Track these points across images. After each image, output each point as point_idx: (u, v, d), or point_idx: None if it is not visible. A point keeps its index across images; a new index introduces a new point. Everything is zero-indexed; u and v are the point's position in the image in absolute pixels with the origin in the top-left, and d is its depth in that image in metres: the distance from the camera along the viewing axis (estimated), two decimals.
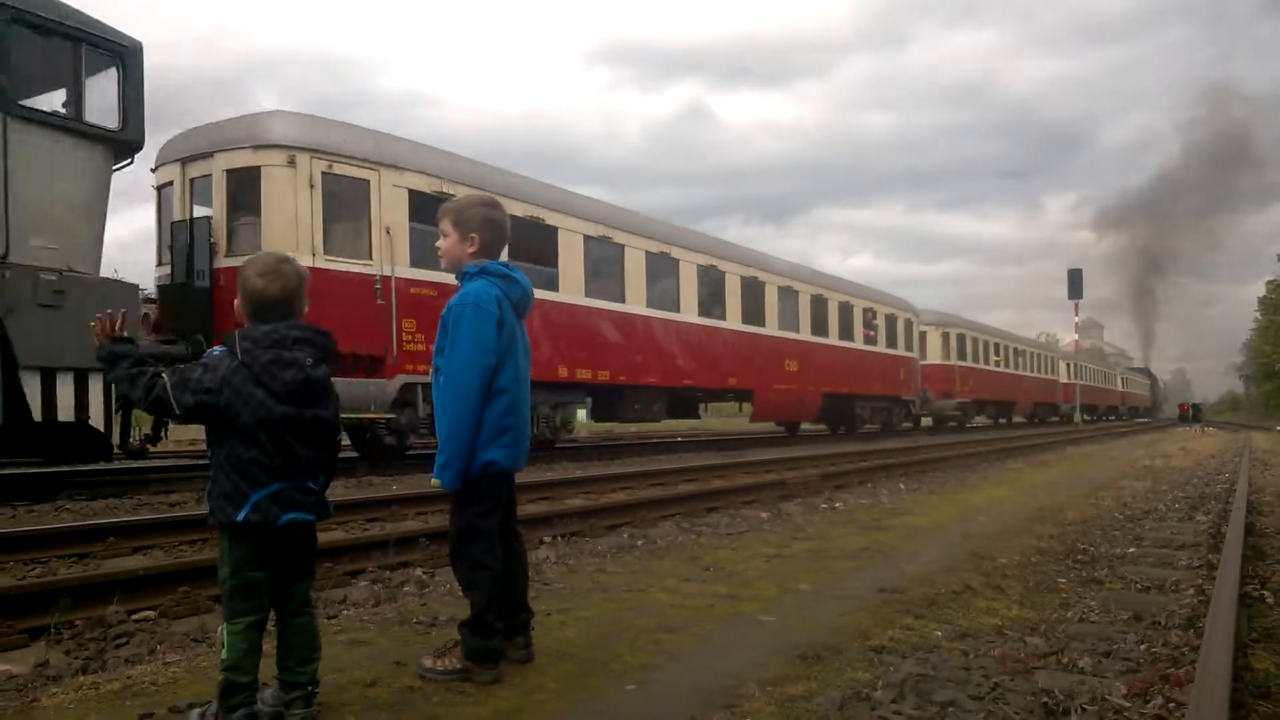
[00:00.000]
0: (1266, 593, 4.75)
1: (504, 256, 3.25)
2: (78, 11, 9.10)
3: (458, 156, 13.68)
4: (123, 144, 9.54)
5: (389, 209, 11.76)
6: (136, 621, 3.94)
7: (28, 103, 8.68)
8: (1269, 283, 52.57)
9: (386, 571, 4.95)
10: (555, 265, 14.59)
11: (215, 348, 2.63)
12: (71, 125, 8.99)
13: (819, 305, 22.63)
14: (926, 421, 30.92)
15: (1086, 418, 42.44)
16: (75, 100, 9.15)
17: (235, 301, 2.69)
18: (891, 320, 26.20)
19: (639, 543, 6.28)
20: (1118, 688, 3.12)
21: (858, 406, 24.23)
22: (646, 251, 16.76)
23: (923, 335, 28.81)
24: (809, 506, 8.54)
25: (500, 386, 3.03)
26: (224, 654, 2.54)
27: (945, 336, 30.17)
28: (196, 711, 2.57)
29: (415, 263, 11.86)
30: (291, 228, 10.87)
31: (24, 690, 3.09)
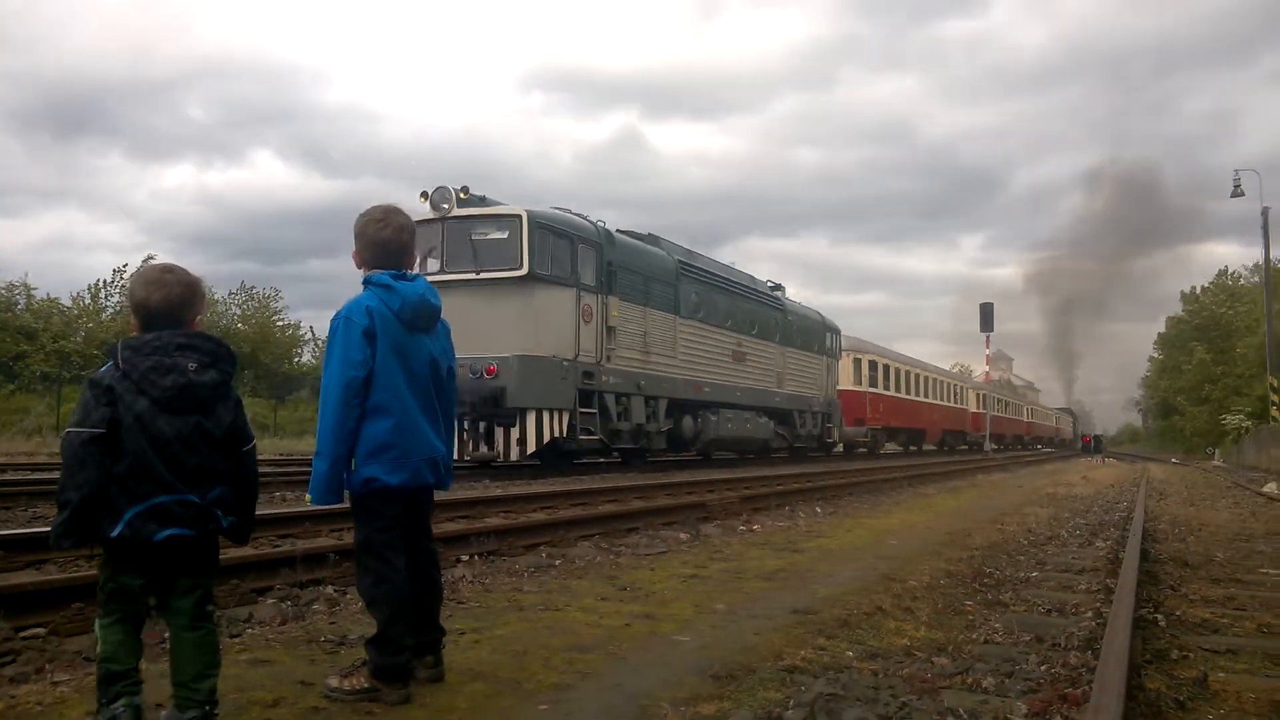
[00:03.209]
0: (1160, 616, 4.95)
1: (429, 266, 3.18)
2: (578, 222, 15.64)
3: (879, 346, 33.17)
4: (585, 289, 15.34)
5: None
6: (24, 639, 3.74)
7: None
8: (1169, 319, 55.24)
9: (295, 589, 4.81)
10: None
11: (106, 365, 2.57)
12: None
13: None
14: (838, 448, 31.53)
15: (995, 446, 44.09)
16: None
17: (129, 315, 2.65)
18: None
19: (557, 562, 6.23)
20: (1019, 707, 3.21)
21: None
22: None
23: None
24: (727, 528, 8.60)
25: (377, 404, 2.95)
26: (99, 648, 2.50)
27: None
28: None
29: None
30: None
31: None
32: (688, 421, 18.38)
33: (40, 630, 3.85)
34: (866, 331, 28.77)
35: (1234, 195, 30.79)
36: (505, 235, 13.90)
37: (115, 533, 2.44)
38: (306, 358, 53.15)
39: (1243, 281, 50.77)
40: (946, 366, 48.68)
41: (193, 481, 2.50)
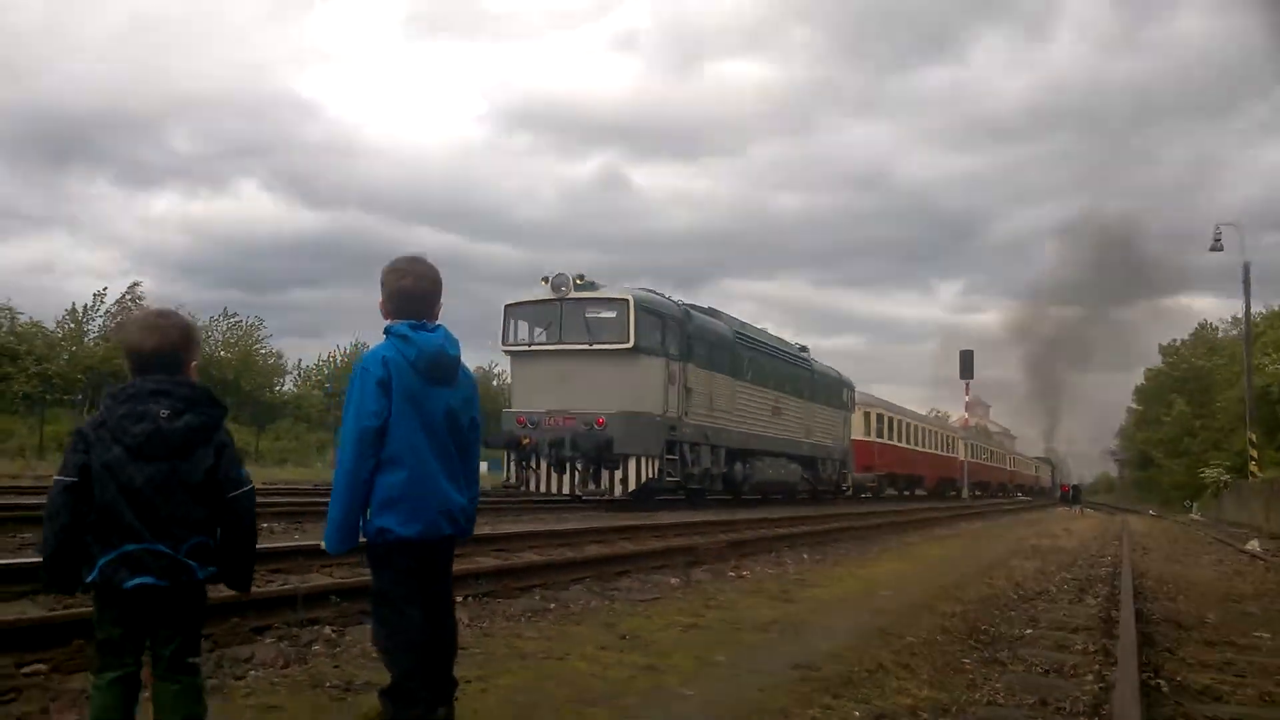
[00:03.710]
0: (1161, 681, 4.95)
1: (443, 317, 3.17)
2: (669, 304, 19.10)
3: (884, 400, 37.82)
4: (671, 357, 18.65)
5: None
6: (26, 676, 3.67)
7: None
8: (1147, 371, 55.88)
9: (294, 629, 4.75)
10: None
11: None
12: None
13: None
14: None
15: (976, 493, 44.68)
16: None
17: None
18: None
19: (551, 605, 6.18)
20: None
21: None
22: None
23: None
24: (717, 574, 8.58)
25: (392, 456, 2.94)
26: (90, 709, 2.48)
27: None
28: None
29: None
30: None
31: None
32: (738, 467, 21.58)
33: (42, 667, 3.78)
34: (845, 373, 29.88)
35: (1213, 249, 31.17)
36: (615, 315, 17.59)
37: (89, 579, 2.45)
38: (288, 386, 53.00)
39: (1221, 334, 51.51)
40: (924, 411, 49.33)
41: (163, 531, 2.45)
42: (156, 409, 2.48)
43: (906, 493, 39.48)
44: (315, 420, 48.92)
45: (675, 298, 20.14)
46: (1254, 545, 17.81)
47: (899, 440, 37.28)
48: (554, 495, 17.51)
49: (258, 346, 48.55)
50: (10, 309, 38.10)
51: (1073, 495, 42.29)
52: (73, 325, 40.91)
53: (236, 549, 2.59)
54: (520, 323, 18.68)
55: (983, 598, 8.03)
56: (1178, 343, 53.25)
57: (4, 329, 37.63)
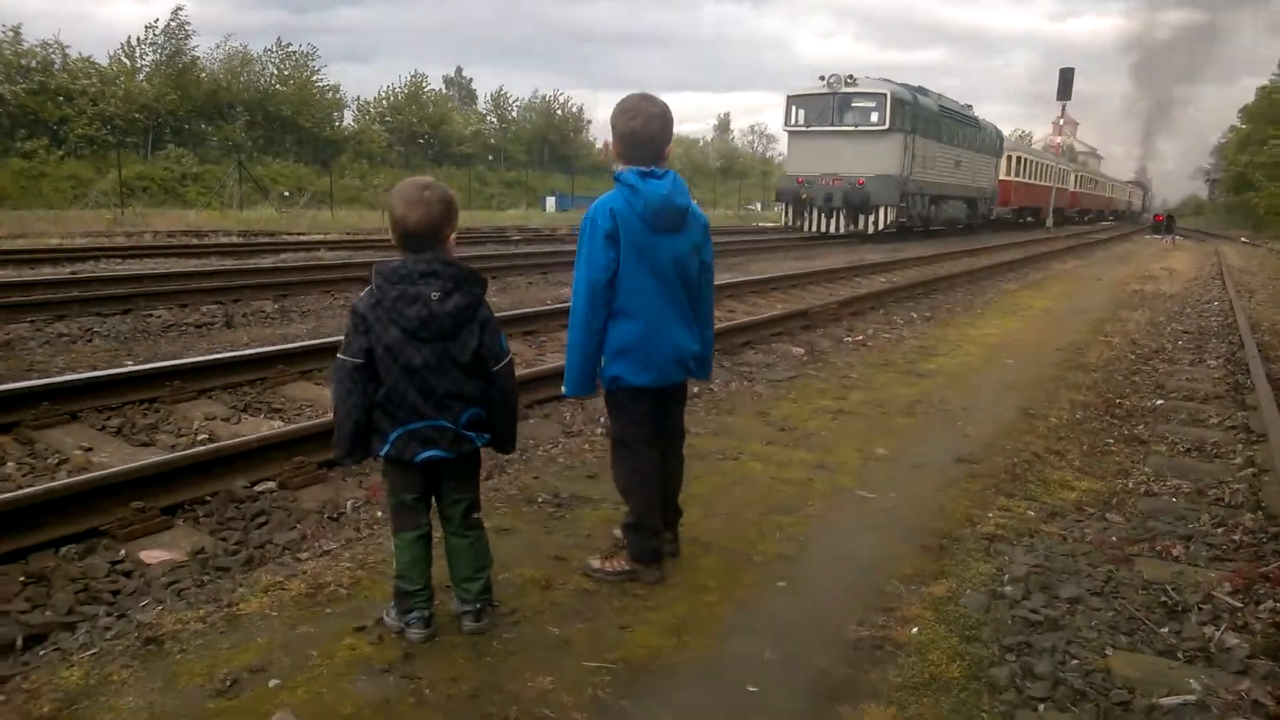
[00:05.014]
0: None
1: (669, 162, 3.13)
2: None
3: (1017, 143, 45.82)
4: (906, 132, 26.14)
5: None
6: (262, 494, 4.04)
7: None
8: (1260, 89, 51.87)
9: None
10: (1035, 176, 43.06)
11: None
12: None
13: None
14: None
15: (1086, 219, 46.57)
16: None
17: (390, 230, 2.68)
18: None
19: (695, 389, 6.42)
20: (1220, 584, 3.39)
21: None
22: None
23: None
24: (835, 340, 8.73)
25: (623, 307, 3.00)
26: (395, 564, 2.75)
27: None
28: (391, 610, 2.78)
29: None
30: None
31: (202, 589, 3.20)
32: (932, 209, 29.25)
33: (272, 485, 4.13)
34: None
35: None
36: (874, 105, 25.30)
37: (383, 452, 2.63)
38: (348, 121, 52.25)
39: None
40: (1007, 131, 47.94)
41: (443, 406, 2.60)
42: (428, 291, 2.54)
43: (1030, 219, 44.79)
44: (378, 158, 48.63)
45: (899, 80, 26.58)
46: None
47: (1028, 177, 42.56)
48: (825, 233, 25.76)
49: (315, 78, 47.37)
50: (60, 43, 36.96)
51: (1166, 225, 40.81)
52: (126, 60, 39.89)
53: (502, 416, 2.73)
54: (799, 109, 26.42)
55: (1105, 361, 8.09)
56: None
57: (55, 66, 36.64)
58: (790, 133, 26.75)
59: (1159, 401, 6.63)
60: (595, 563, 3.19)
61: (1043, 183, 44.84)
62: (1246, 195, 50.15)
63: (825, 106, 25.79)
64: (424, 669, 2.55)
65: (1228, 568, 3.58)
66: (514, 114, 61.88)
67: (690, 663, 2.65)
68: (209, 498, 3.94)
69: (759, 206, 55.80)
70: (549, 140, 60.80)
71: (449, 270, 2.58)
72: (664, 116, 3.01)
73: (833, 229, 25.68)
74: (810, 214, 25.86)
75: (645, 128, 2.98)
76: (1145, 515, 4.20)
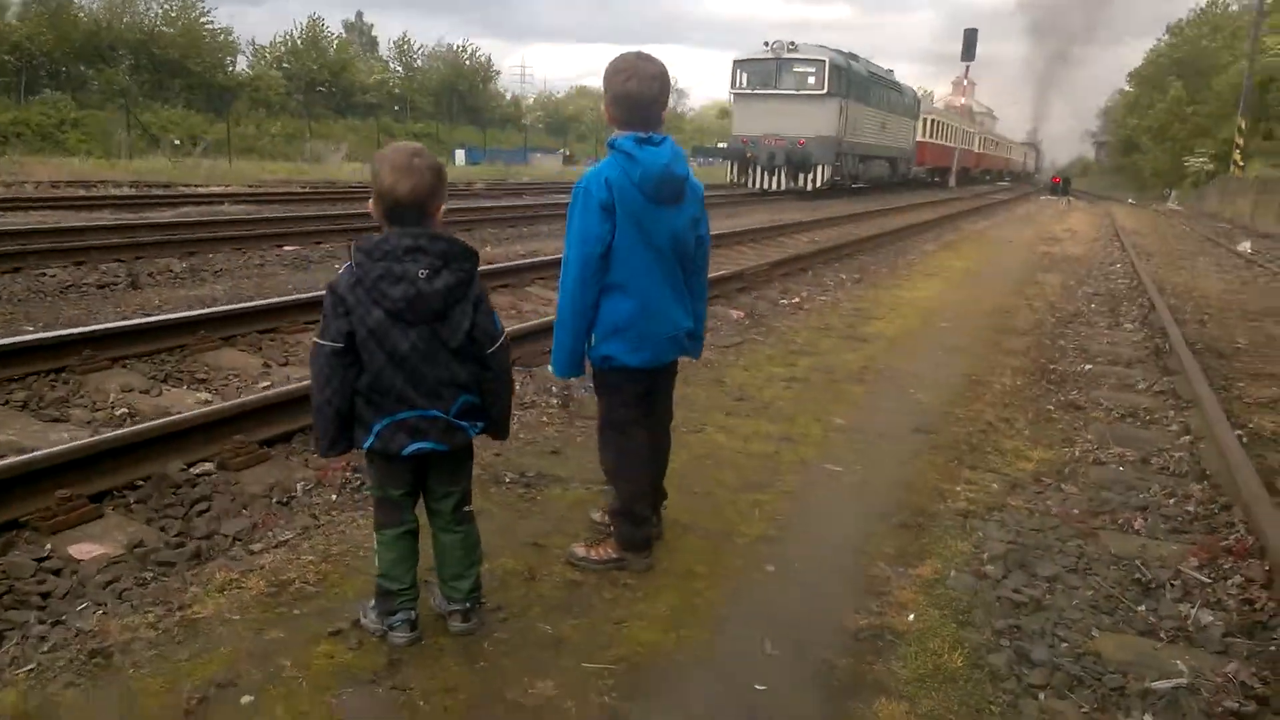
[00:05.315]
0: (1240, 433, 5.17)
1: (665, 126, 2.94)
2: None
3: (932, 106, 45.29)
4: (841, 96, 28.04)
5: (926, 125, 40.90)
6: (200, 477, 3.73)
7: None
8: (1148, 53, 54.01)
9: None
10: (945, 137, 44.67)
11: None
12: None
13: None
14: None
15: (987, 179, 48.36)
16: None
17: (370, 201, 2.41)
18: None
19: None
20: (1186, 558, 3.45)
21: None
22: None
23: None
24: (771, 303, 8.70)
25: (617, 283, 2.82)
26: (377, 563, 2.55)
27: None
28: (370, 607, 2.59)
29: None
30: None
31: (146, 589, 2.92)
32: (862, 168, 31.38)
33: (210, 466, 3.83)
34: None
35: None
36: (815, 70, 26.94)
37: (367, 445, 2.41)
38: (243, 67, 49.79)
39: (1234, 7, 49.23)
40: (914, 87, 49.18)
41: (433, 394, 2.39)
42: (415, 268, 2.30)
43: (938, 180, 46.16)
44: (276, 105, 46.57)
45: (833, 46, 28.39)
46: (1246, 246, 18.24)
47: (941, 139, 44.66)
48: (767, 190, 27.37)
49: (204, 20, 44.90)
50: None
51: (1062, 187, 42.33)
52: None
53: (497, 403, 2.52)
54: (744, 73, 27.90)
55: (1032, 325, 8.27)
56: (1183, 22, 51.07)
57: None
58: (736, 95, 28.32)
59: (1087, 366, 6.79)
60: (580, 550, 3.05)
61: (954, 144, 47.27)
62: (1134, 157, 52.32)
63: (768, 71, 27.46)
64: (414, 677, 2.38)
65: (1187, 540, 3.66)
66: (419, 63, 59.96)
67: (693, 660, 2.54)
68: (141, 482, 3.62)
69: None
70: (458, 90, 59.14)
71: (436, 245, 2.33)
72: (663, 77, 2.81)
73: (774, 186, 27.45)
74: (754, 172, 27.55)
75: (642, 89, 2.78)
76: (1098, 485, 4.26)
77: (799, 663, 2.56)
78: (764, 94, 27.54)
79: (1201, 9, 51.23)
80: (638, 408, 3.00)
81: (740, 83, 28.11)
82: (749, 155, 27.47)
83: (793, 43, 27.32)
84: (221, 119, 37.83)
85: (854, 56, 30.11)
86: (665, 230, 2.85)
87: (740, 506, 3.64)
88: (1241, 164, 31.59)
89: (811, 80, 27.07)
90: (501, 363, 2.49)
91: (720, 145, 29.97)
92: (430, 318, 2.34)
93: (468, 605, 2.59)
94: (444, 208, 2.44)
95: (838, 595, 2.97)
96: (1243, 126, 31.56)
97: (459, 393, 2.43)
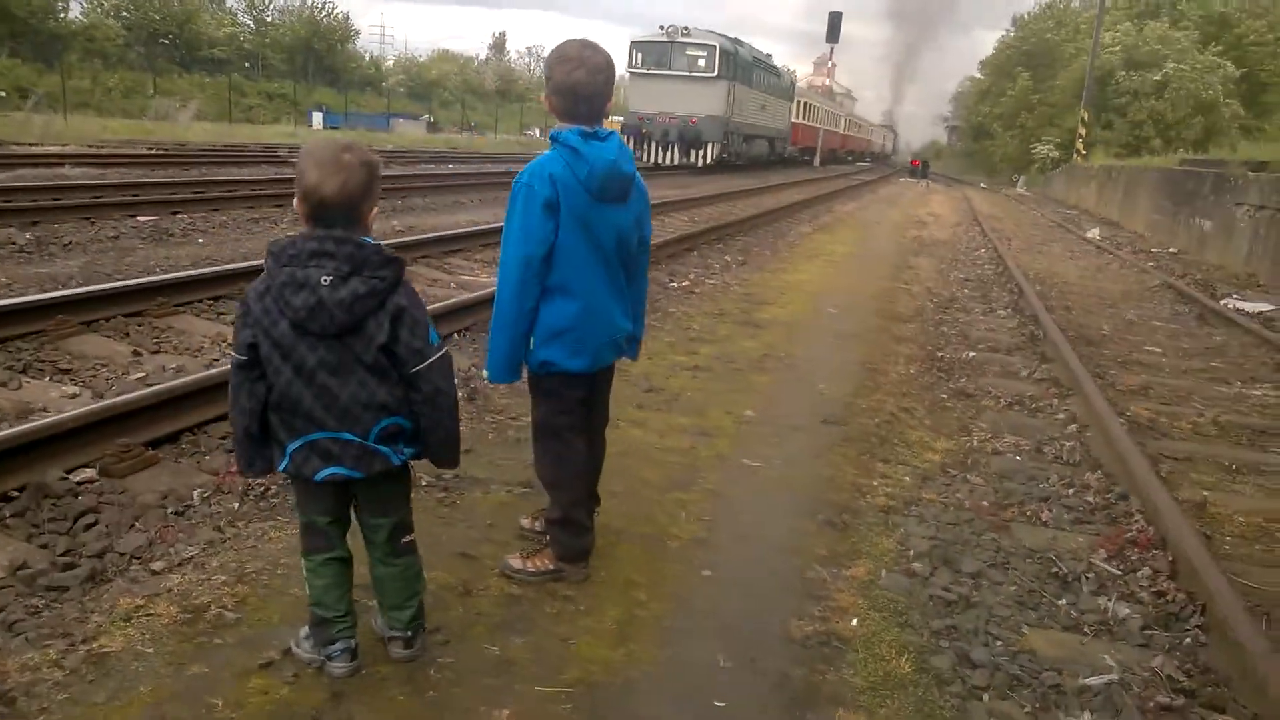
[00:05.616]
0: (1121, 421, 5.49)
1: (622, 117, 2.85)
2: None
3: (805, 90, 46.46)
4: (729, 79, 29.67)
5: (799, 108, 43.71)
6: (82, 486, 3.38)
7: None
8: (998, 43, 56.70)
9: None
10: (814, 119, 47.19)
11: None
12: None
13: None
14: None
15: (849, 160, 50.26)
16: None
17: (295, 200, 2.17)
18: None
19: None
20: (1095, 550, 3.61)
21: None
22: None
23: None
24: (661, 285, 8.65)
25: (560, 282, 2.69)
26: (306, 589, 2.36)
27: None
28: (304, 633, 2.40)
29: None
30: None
31: (40, 618, 2.61)
32: (745, 146, 33.24)
33: (91, 473, 3.48)
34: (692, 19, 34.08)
35: None
36: (706, 55, 28.48)
37: (281, 467, 2.23)
38: (76, 14, 46.07)
39: (1075, 3, 52.22)
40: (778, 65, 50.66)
41: (348, 417, 2.15)
42: (318, 275, 2.07)
43: (808, 159, 48.01)
44: (114, 57, 43.40)
45: (720, 31, 30.04)
46: (1094, 233, 19.43)
47: (811, 121, 46.61)
48: (660, 164, 28.41)
49: None
50: None
51: (921, 170, 44.11)
52: None
53: (434, 426, 2.26)
54: (640, 53, 29.18)
55: (914, 312, 8.54)
56: (1028, 16, 53.89)
57: None
58: (632, 74, 29.89)
59: (971, 354, 7.05)
60: (515, 562, 2.91)
61: (823, 126, 49.86)
62: (985, 143, 54.97)
63: (663, 53, 29.09)
64: (360, 713, 2.21)
65: (1091, 531, 3.83)
66: (271, 17, 56.90)
67: (648, 678, 2.47)
68: (15, 493, 3.25)
69: (537, 132, 54.73)
70: (314, 49, 56.43)
71: (344, 249, 2.08)
72: (610, 68, 2.68)
73: (667, 161, 28.95)
74: (648, 147, 28.85)
75: (589, 80, 2.64)
76: (1000, 476, 4.42)
77: (754, 677, 2.52)
78: (659, 74, 28.91)
79: (1046, 4, 54.15)
80: (576, 414, 2.88)
81: (636, 62, 29.42)
82: (645, 131, 28.75)
83: (686, 28, 28.95)
84: (53, 70, 34.87)
85: (739, 42, 31.69)
86: (610, 229, 2.74)
87: (667, 507, 3.58)
88: (1084, 152, 33.70)
89: (702, 63, 28.64)
90: (434, 382, 2.21)
91: (616, 119, 30.32)
92: (338, 330, 2.10)
93: (409, 634, 2.43)
94: (376, 210, 2.24)
95: (778, 600, 2.95)
96: (1085, 118, 33.64)
97: (380, 415, 2.19)
